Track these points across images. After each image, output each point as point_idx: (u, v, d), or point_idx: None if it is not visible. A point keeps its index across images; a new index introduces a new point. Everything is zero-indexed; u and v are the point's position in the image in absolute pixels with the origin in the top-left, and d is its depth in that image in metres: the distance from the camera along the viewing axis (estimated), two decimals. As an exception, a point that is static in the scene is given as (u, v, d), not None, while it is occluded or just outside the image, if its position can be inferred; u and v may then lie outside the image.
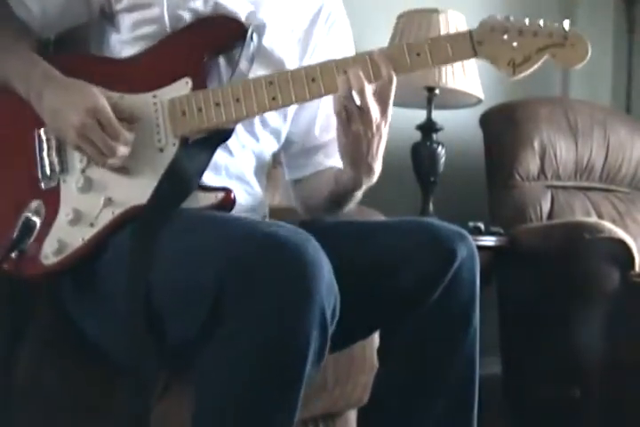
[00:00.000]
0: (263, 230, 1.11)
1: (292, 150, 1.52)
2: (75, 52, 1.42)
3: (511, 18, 1.22)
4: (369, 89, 1.19)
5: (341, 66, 1.22)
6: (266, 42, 1.35)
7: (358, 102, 1.19)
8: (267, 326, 1.06)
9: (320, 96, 1.25)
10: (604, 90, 3.40)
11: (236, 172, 1.38)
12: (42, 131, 1.29)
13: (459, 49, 1.22)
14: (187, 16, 1.32)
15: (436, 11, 2.51)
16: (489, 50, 1.21)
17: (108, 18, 1.37)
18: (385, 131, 1.24)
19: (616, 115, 3.03)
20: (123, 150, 1.24)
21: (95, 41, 1.42)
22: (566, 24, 1.21)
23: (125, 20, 1.34)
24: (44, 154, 1.29)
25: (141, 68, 1.31)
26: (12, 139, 1.32)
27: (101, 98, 1.24)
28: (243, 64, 1.31)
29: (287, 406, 1.10)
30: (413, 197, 2.60)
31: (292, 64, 1.39)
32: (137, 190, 1.24)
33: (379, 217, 1.66)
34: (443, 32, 2.47)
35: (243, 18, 1.33)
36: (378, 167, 1.29)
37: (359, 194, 1.37)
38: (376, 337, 1.44)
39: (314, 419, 1.64)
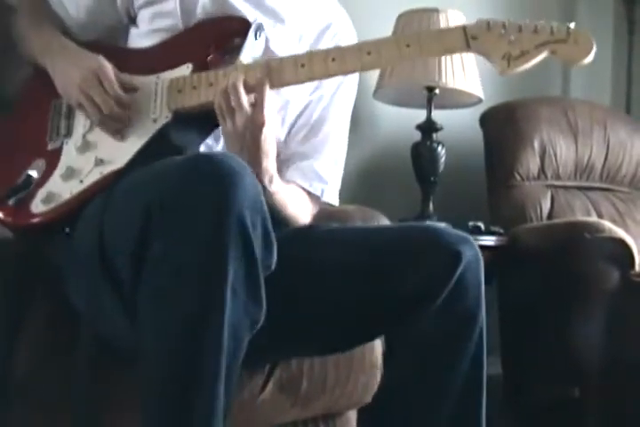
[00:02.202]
0: (190, 155, 1.14)
1: None
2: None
3: (510, 19, 1.20)
4: (242, 90, 1.26)
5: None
6: (272, 46, 1.43)
7: (233, 102, 1.27)
8: (184, 243, 1.04)
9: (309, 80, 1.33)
10: (604, 90, 3.41)
11: None
12: (56, 100, 1.43)
13: (451, 41, 1.20)
14: (198, 11, 1.41)
15: (436, 10, 2.51)
16: (482, 43, 1.18)
17: (132, 19, 1.49)
18: (269, 134, 1.27)
19: (616, 115, 3.03)
20: (117, 110, 1.32)
21: (118, 38, 1.53)
22: (572, 25, 1.17)
23: (144, 14, 1.45)
24: (55, 119, 1.42)
25: (149, 55, 1.43)
26: (34, 108, 1.46)
27: (107, 62, 1.35)
28: (245, 60, 1.38)
29: (212, 338, 1.04)
30: (413, 196, 2.60)
31: None
32: (125, 153, 1.33)
33: (379, 217, 1.66)
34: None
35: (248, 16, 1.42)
36: (271, 166, 1.31)
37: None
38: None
39: (314, 419, 1.63)
